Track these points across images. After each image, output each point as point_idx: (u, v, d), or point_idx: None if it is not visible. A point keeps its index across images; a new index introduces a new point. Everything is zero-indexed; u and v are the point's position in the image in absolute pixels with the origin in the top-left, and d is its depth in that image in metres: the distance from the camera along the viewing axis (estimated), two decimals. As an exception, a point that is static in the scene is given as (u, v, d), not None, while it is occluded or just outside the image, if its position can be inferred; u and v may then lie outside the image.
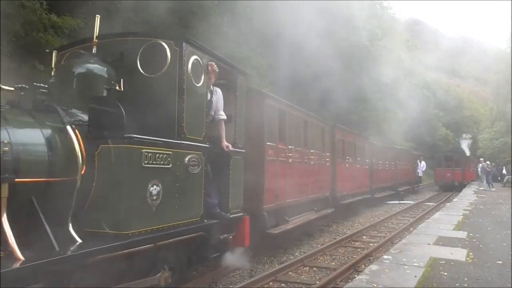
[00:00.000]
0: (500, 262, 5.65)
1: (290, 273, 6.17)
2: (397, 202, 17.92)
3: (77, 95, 3.76)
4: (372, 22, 21.50)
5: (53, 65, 4.08)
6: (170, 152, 3.82)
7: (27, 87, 3.33)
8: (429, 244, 6.92)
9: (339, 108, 16.69)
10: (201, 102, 4.42)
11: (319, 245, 8.21)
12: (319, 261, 7.10)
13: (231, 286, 5.33)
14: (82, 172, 3.26)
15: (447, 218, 10.34)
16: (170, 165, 3.82)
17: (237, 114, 5.34)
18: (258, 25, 12.26)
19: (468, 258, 5.89)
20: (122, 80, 4.03)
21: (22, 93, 3.30)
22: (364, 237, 9.60)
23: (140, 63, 4.17)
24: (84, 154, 3.30)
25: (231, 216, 5.04)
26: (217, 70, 4.71)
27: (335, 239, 8.93)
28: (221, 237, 4.90)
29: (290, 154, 7.72)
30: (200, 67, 4.39)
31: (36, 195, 2.97)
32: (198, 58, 4.36)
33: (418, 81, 36.52)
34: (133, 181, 3.39)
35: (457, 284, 4.57)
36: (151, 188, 3.56)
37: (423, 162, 26.35)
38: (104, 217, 3.29)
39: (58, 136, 3.23)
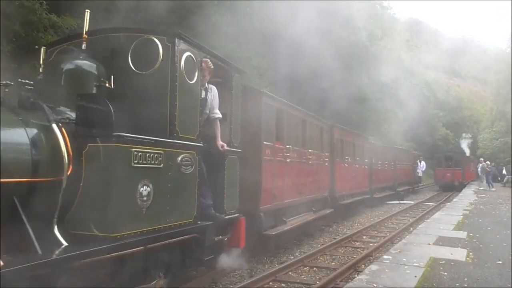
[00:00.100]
0: (500, 262, 5.63)
1: (290, 273, 6.15)
2: (397, 202, 17.89)
3: (66, 92, 3.63)
4: (372, 22, 21.43)
5: (41, 62, 3.95)
6: (162, 152, 3.69)
7: (12, 83, 3.20)
8: (429, 244, 6.87)
9: (339, 108, 16.69)
10: (195, 100, 4.29)
11: (319, 245, 8.19)
12: (319, 261, 7.08)
13: (231, 286, 5.31)
14: (69, 172, 3.14)
15: (447, 218, 10.31)
16: (162, 165, 3.69)
17: (233, 113, 5.21)
18: (258, 25, 12.27)
19: (468, 258, 5.86)
20: (112, 77, 3.90)
21: (6, 89, 3.17)
22: (364, 237, 9.56)
23: (131, 60, 4.05)
24: (71, 154, 3.18)
25: (226, 217, 4.91)
26: (212, 67, 4.59)
27: (335, 239, 8.90)
28: (216, 238, 4.77)
29: (288, 154, 7.59)
30: (193, 64, 4.26)
31: (19, 196, 2.84)
32: (192, 55, 4.24)
33: (418, 81, 36.52)
34: (122, 182, 3.26)
35: (457, 284, 4.54)
36: (141, 189, 3.43)
37: (423, 162, 26.27)
38: (92, 219, 3.16)
39: (43, 135, 3.10)
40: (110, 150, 3.21)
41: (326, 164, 10.29)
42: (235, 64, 5.31)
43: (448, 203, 16.18)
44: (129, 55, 4.05)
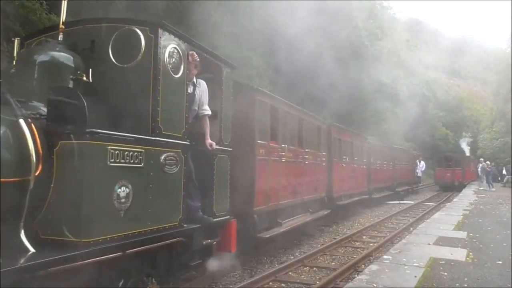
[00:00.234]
0: (500, 262, 5.60)
1: (290, 273, 6.13)
2: (397, 202, 17.83)
3: (40, 86, 3.38)
4: (372, 22, 21.31)
5: (14, 54, 3.69)
6: (142, 150, 3.44)
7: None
8: (429, 244, 6.83)
9: (339, 107, 16.64)
10: (180, 96, 4.03)
11: (319, 245, 8.16)
12: (319, 261, 7.05)
13: (231, 286, 5.28)
14: (38, 172, 2.88)
15: (447, 218, 10.24)
16: (142, 164, 3.44)
17: (223, 110, 4.95)
18: (258, 25, 12.24)
19: (468, 258, 5.83)
20: (91, 70, 3.64)
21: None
22: (364, 237, 9.51)
23: (112, 52, 3.80)
24: (41, 152, 2.92)
25: (215, 220, 4.66)
26: (198, 60, 4.33)
27: (335, 239, 8.86)
28: (204, 242, 4.51)
29: (283, 153, 7.34)
30: (179, 57, 4.00)
31: (-22, 198, 2.58)
32: (177, 47, 3.98)
33: (418, 81, 36.40)
34: (96, 182, 3.01)
35: (457, 284, 4.51)
36: (119, 190, 3.18)
37: (422, 162, 26.07)
38: (64, 223, 2.91)
39: (9, 131, 2.84)
40: (83, 147, 2.95)
41: (324, 164, 10.04)
42: (225, 58, 5.04)
43: (448, 203, 16.12)
44: (110, 47, 3.80)
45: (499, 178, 30.09)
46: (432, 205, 17.32)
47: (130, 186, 3.29)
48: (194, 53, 4.25)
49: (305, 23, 13.12)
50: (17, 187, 2.74)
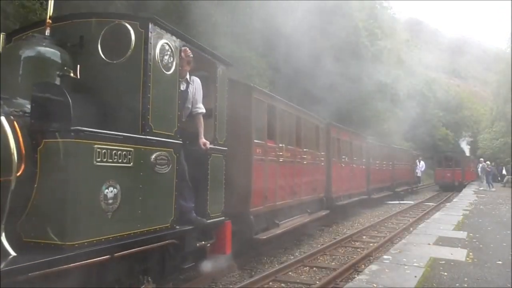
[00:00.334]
0: (500, 262, 5.58)
1: (290, 273, 6.11)
2: (397, 202, 17.79)
3: (25, 82, 3.24)
4: (372, 22, 21.25)
5: (0, 49, 3.56)
6: (131, 149, 3.31)
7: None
8: (429, 244, 6.80)
9: (339, 107, 16.64)
10: (172, 93, 3.90)
11: (319, 245, 8.14)
12: (319, 261, 7.04)
13: (231, 286, 5.26)
14: (20, 172, 2.75)
15: (447, 218, 10.20)
16: (131, 163, 3.31)
17: (218, 108, 4.81)
18: (259, 25, 12.20)
19: (468, 258, 5.81)
20: (78, 66, 3.52)
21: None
22: (364, 237, 9.48)
23: (101, 48, 3.67)
24: (23, 151, 2.79)
25: (209, 221, 4.52)
26: (191, 56, 4.19)
27: (335, 239, 8.83)
28: (197, 244, 4.38)
29: (281, 153, 7.20)
30: (170, 52, 3.87)
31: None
32: (168, 43, 3.85)
33: (418, 81, 36.32)
34: (82, 182, 2.88)
35: (457, 284, 4.49)
36: (106, 191, 3.05)
37: (422, 162, 25.95)
38: (47, 225, 2.78)
39: (-10, 129, 2.71)
40: (68, 146, 2.82)
41: (322, 164, 9.91)
42: (220, 55, 4.91)
43: (448, 203, 16.07)
44: (99, 42, 3.67)
45: (499, 178, 30.03)
46: (432, 205, 17.27)
47: (118, 186, 3.16)
48: (187, 49, 4.12)
49: (305, 22, 13.18)
50: (-3, 188, 2.61)
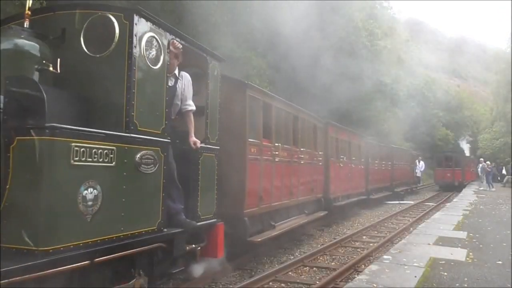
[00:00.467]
0: (500, 262, 5.55)
1: (290, 273, 6.10)
2: (397, 202, 17.71)
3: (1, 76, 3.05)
4: (372, 22, 21.14)
5: None
6: (114, 148, 3.12)
7: None
8: (429, 244, 6.77)
9: (339, 107, 16.62)
10: (159, 89, 3.71)
11: (319, 245, 8.11)
12: (319, 261, 7.03)
13: (231, 286, 5.26)
14: (-10, 171, 2.56)
15: (447, 218, 10.14)
16: (114, 163, 3.11)
17: (209, 105, 4.62)
18: (259, 25, 12.16)
19: (468, 258, 5.78)
20: (61, 60, 3.33)
21: None
22: (364, 237, 9.46)
23: (84, 41, 3.48)
24: (-6, 149, 2.61)
25: (199, 223, 4.33)
26: (180, 47, 4.00)
27: (335, 239, 8.80)
28: (187, 248, 4.19)
29: (277, 153, 7.01)
30: (157, 46, 3.68)
31: None
32: (155, 36, 3.66)
33: (418, 81, 36.18)
34: (57, 183, 2.68)
35: (457, 284, 4.47)
36: (85, 192, 2.86)
37: (421, 162, 25.78)
38: (19, 229, 2.59)
39: (-43, 126, 2.52)
40: (42, 144, 2.63)
41: (320, 164, 9.72)
42: (211, 50, 4.72)
43: (448, 203, 15.98)
44: (82, 35, 3.48)
45: (499, 178, 29.89)
46: (432, 205, 17.20)
47: (99, 187, 2.97)
48: (175, 41, 3.92)
49: (305, 22, 13.11)
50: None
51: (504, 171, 30.85)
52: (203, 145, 4.46)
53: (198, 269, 4.55)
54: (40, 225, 2.59)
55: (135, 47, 3.39)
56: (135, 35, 3.40)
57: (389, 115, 24.98)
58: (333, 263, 6.88)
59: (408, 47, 33.20)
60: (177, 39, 4.00)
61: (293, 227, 7.59)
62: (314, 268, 6.43)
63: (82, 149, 2.82)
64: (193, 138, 4.23)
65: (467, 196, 18.21)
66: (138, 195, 3.41)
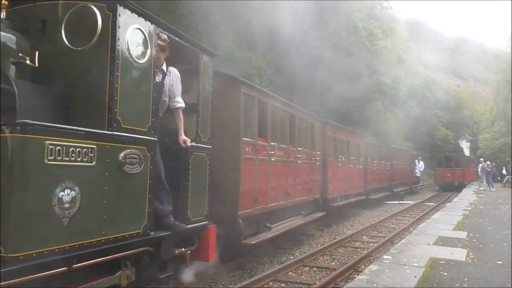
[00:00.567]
0: (500, 262, 5.54)
1: (290, 273, 6.10)
2: (397, 202, 17.66)
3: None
4: (372, 22, 21.04)
5: None
6: (94, 146, 2.92)
7: None
8: (429, 244, 6.76)
9: (339, 107, 16.59)
10: (145, 84, 3.51)
11: (319, 245, 8.10)
12: (319, 261, 7.02)
13: (231, 286, 5.25)
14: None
15: (447, 218, 10.10)
16: (94, 162, 2.92)
17: (201, 103, 4.42)
18: (259, 25, 12.14)
19: (468, 258, 5.78)
20: (41, 53, 3.14)
21: None
22: (364, 237, 9.44)
23: (65, 33, 3.28)
24: (-39, 147, 2.41)
25: (189, 226, 4.13)
26: (167, 39, 3.80)
27: (335, 239, 8.79)
28: (176, 252, 4.00)
29: (273, 152, 6.82)
30: (143, 39, 3.49)
31: None
32: (141, 28, 3.46)
33: (418, 81, 36.03)
34: (29, 184, 2.49)
35: (457, 284, 4.47)
36: (61, 193, 2.66)
37: (421, 162, 25.62)
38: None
39: None
40: (13, 142, 2.43)
41: (318, 163, 9.53)
42: (203, 45, 4.52)
43: (448, 203, 15.92)
44: (63, 27, 3.29)
45: (499, 178, 29.78)
46: (432, 205, 17.15)
47: (77, 188, 2.77)
48: (163, 35, 3.72)
49: (305, 22, 13.09)
50: None
51: (504, 171, 30.76)
52: (193, 144, 4.27)
53: (188, 274, 4.35)
54: (9, 229, 2.39)
55: (118, 39, 3.19)
56: (119, 27, 3.20)
57: (389, 115, 24.91)
58: (333, 263, 6.86)
59: (408, 47, 33.07)
60: (165, 32, 3.80)
61: (290, 228, 7.40)
62: (314, 268, 6.42)
63: (57, 148, 2.63)
64: (182, 137, 4.04)
65: (467, 196, 18.18)
66: (122, 197, 3.22)
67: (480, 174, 24.73)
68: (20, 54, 3.01)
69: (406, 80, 27.86)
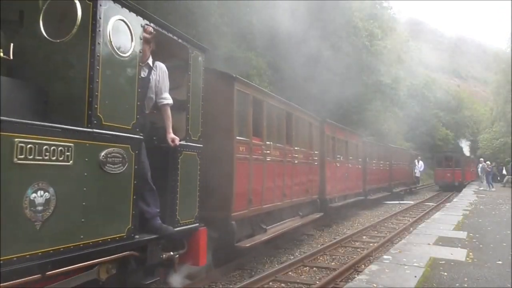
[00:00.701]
0: (500, 262, 5.54)
1: (290, 273, 6.10)
2: (397, 202, 17.60)
3: None
4: (372, 22, 20.94)
5: None
6: (71, 144, 2.73)
7: None
8: (429, 244, 6.76)
9: (340, 107, 16.58)
10: (129, 79, 3.32)
11: (319, 245, 8.10)
12: (319, 261, 7.02)
13: (231, 286, 5.25)
14: None
15: (447, 218, 10.09)
16: (71, 161, 2.73)
17: (191, 99, 4.22)
18: (259, 25, 12.14)
19: (468, 258, 5.78)
20: (17, 46, 2.95)
21: None
22: (364, 237, 9.44)
23: (43, 24, 3.09)
24: None
25: (177, 228, 3.94)
26: (152, 31, 3.60)
27: (335, 239, 8.78)
28: (163, 256, 3.81)
29: (268, 152, 6.62)
30: (127, 31, 3.29)
31: None
32: (124, 20, 3.26)
33: (418, 81, 35.89)
34: (-4, 185, 2.30)
35: (457, 284, 4.47)
36: (33, 195, 2.47)
37: (420, 162, 25.46)
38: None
39: None
40: (-22, 140, 2.24)
41: (316, 163, 9.33)
42: (193, 39, 4.32)
43: (448, 203, 15.87)
44: (41, 18, 3.09)
45: (499, 178, 29.67)
46: (432, 205, 17.09)
47: (51, 190, 2.58)
48: (148, 27, 3.53)
49: (305, 22, 13.08)
50: None
51: (504, 171, 30.64)
52: (183, 142, 4.08)
53: (177, 279, 4.15)
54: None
55: (99, 31, 3.00)
56: (100, 18, 3.01)
57: (389, 115, 24.79)
58: (333, 263, 6.85)
59: (408, 47, 32.96)
60: (152, 24, 3.61)
61: (286, 230, 7.20)
62: (314, 268, 6.41)
63: (29, 146, 2.43)
64: (170, 135, 3.84)
65: (467, 196, 18.13)
66: (103, 198, 3.02)
67: (480, 174, 24.63)
68: (-8, 46, 2.81)
69: (406, 80, 27.73)
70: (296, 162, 7.96)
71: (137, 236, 3.39)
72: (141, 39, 3.44)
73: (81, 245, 2.83)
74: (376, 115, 22.56)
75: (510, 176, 27.99)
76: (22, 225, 2.42)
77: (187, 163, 4.15)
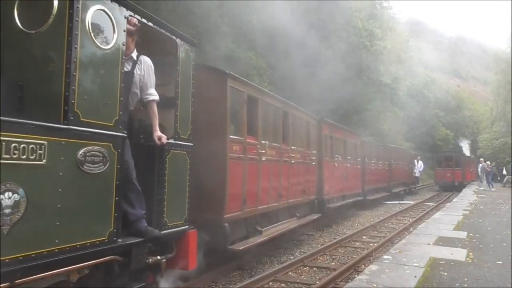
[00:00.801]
0: (500, 262, 5.54)
1: (290, 273, 6.09)
2: (397, 202, 17.54)
3: None
4: (372, 22, 20.84)
5: None
6: (44, 142, 2.53)
7: None
8: (429, 244, 6.75)
9: (340, 107, 16.55)
10: (111, 73, 3.12)
11: (319, 245, 8.08)
12: (319, 261, 7.02)
13: (231, 286, 5.25)
14: None
15: (447, 218, 10.06)
16: (44, 160, 2.53)
17: (180, 96, 4.02)
18: (259, 25, 12.12)
19: (468, 258, 5.77)
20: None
21: None
22: (364, 237, 9.43)
23: (18, 15, 2.90)
24: None
25: (164, 231, 3.74)
26: (137, 23, 3.40)
27: (335, 239, 8.77)
28: (150, 260, 3.61)
29: (263, 151, 6.43)
30: (108, 22, 3.10)
31: None
32: (106, 9, 3.07)
33: (418, 81, 35.77)
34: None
35: (457, 284, 4.46)
36: (0, 197, 2.27)
37: (420, 162, 25.30)
38: None
39: None
40: None
41: (313, 163, 9.14)
42: (182, 32, 4.12)
43: (448, 203, 15.80)
44: (15, 7, 2.90)
45: (499, 178, 29.57)
46: (432, 205, 17.04)
47: (21, 191, 2.38)
48: (132, 18, 3.33)
49: (305, 22, 13.11)
50: None
51: (504, 171, 30.57)
52: (171, 141, 3.88)
53: (166, 284, 3.96)
54: None
55: (76, 21, 2.80)
56: (77, 7, 2.81)
57: (389, 115, 24.68)
58: (333, 263, 6.85)
59: (408, 47, 32.84)
60: (137, 16, 3.41)
61: (282, 232, 7.01)
62: (314, 268, 6.40)
63: (-5, 143, 2.24)
64: (157, 133, 3.64)
65: (467, 196, 18.06)
66: (81, 200, 2.83)
67: (480, 174, 24.54)
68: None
69: (406, 80, 27.64)
70: (293, 162, 7.77)
71: (120, 240, 3.19)
72: (124, 31, 3.25)
73: (56, 250, 2.63)
74: (376, 115, 22.48)
75: (510, 176, 27.92)
76: (-13, 230, 2.23)
77: (176, 162, 3.96)
